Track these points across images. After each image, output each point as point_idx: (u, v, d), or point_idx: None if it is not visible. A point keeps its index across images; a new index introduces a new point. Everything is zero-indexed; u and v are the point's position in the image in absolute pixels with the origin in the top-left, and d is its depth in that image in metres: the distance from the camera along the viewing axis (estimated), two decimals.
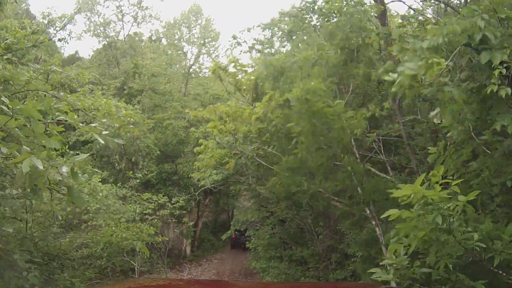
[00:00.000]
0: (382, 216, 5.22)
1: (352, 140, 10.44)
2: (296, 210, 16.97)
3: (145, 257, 10.99)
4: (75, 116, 5.77)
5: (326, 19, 14.41)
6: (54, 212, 11.20)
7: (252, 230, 20.14)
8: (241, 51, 49.05)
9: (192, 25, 35.04)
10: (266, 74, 12.99)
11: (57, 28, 18.08)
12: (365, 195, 9.65)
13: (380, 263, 5.45)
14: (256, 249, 21.63)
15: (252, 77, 13.79)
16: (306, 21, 18.02)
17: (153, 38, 39.53)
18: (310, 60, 11.33)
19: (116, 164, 25.99)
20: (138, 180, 22.61)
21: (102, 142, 5.83)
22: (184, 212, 23.88)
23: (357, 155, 10.70)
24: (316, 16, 17.07)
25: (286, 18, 21.66)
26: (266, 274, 20.32)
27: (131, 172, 23.24)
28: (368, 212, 9.62)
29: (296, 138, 10.04)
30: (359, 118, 9.68)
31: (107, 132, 6.12)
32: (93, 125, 6.35)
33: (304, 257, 17.25)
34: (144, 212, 21.36)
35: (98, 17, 36.08)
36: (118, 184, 21.44)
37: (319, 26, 14.90)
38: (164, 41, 37.45)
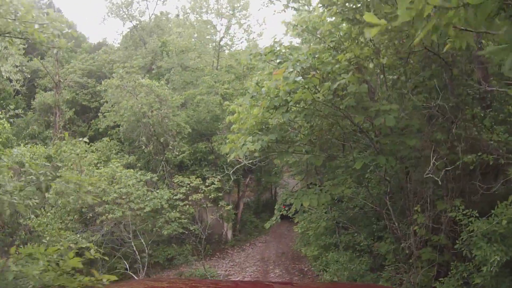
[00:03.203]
0: None
1: None
2: (356, 186, 12.30)
3: None
4: None
5: None
6: None
7: (300, 215, 15.67)
8: (275, 11, 44.43)
9: None
10: None
11: None
12: None
13: None
14: (304, 233, 17.23)
15: None
16: None
17: (180, 17, 35.26)
18: None
19: (144, 147, 21.82)
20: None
21: None
22: (220, 194, 19.47)
23: None
24: None
25: None
26: (319, 265, 15.92)
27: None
28: None
29: None
30: None
31: None
32: None
33: (369, 246, 12.60)
34: (174, 197, 17.19)
35: None
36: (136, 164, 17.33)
37: None
38: (192, 17, 33.07)
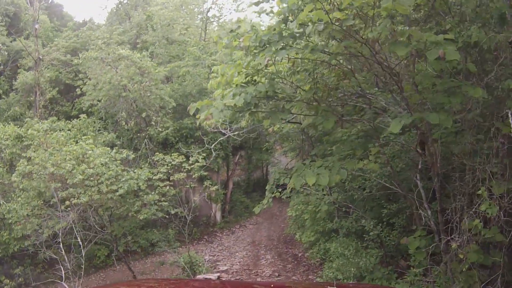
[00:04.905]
0: None
1: None
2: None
3: None
4: None
5: None
6: None
7: (296, 197, 13.27)
8: None
9: None
10: None
11: None
12: None
13: None
14: (298, 216, 14.86)
15: None
16: None
17: None
18: None
19: (124, 123, 19.18)
20: None
21: None
22: (206, 174, 16.87)
23: None
24: None
25: None
26: (316, 252, 13.57)
27: None
28: None
29: None
30: None
31: None
32: None
33: (380, 236, 10.08)
34: (154, 178, 14.58)
35: None
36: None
37: None
38: None
